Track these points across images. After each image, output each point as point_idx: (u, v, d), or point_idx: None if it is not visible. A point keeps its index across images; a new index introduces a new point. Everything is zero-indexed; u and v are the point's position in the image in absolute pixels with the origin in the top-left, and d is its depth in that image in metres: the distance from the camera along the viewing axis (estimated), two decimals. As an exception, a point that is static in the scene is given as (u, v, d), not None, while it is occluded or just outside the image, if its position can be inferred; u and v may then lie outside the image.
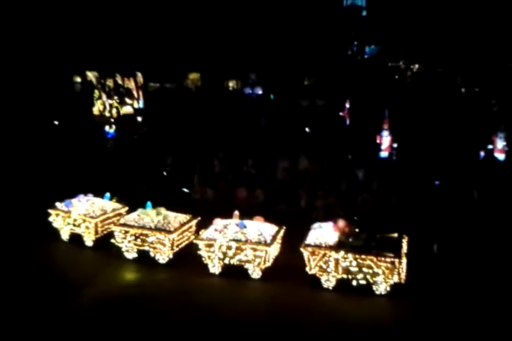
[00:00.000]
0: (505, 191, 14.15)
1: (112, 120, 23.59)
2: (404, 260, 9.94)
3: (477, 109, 22.24)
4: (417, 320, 9.17)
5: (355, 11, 49.15)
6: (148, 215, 11.64)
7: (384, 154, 17.77)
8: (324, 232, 10.64)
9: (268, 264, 10.77)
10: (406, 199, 14.18)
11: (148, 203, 12.02)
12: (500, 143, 16.99)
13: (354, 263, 9.94)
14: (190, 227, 11.96)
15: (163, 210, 11.89)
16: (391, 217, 13.33)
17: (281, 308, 9.62)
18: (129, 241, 11.51)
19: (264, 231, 10.92)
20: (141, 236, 11.39)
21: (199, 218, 12.12)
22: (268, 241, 10.65)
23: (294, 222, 12.33)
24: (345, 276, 10.09)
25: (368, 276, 9.92)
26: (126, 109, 25.18)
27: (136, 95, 25.59)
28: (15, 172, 17.17)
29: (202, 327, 8.90)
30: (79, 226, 12.36)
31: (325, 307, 9.81)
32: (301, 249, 10.31)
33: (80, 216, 12.33)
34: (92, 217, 12.27)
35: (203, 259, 10.94)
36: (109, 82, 25.33)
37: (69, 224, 12.50)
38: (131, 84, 25.57)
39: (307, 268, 10.33)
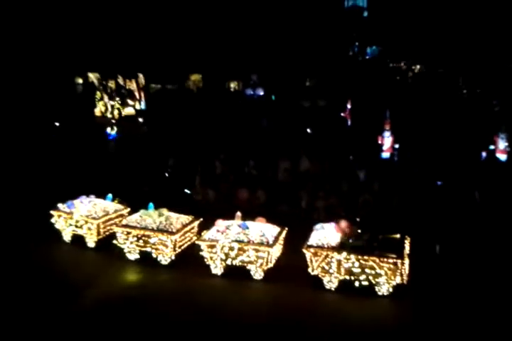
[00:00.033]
0: (507, 192, 14.14)
1: (114, 121, 23.60)
2: (406, 261, 9.94)
3: (478, 110, 22.22)
4: (420, 321, 9.16)
5: (357, 12, 49.12)
6: (151, 216, 11.65)
7: (385, 155, 17.76)
8: (326, 233, 10.64)
9: (270, 265, 10.76)
10: (407, 200, 14.18)
11: (151, 204, 12.02)
12: (501, 144, 16.99)
13: (356, 264, 9.93)
14: (193, 228, 11.97)
15: (165, 211, 11.90)
16: (392, 218, 13.33)
17: (284, 309, 9.61)
18: (131, 242, 11.51)
19: (267, 232, 10.92)
20: (143, 237, 11.39)
21: (201, 219, 12.13)
22: (270, 242, 10.65)
23: (295, 222, 12.34)
24: (347, 277, 10.08)
25: (371, 277, 9.92)
26: (128, 111, 25.20)
27: (137, 96, 25.61)
28: (17, 173, 17.19)
29: (204, 328, 8.89)
30: (81, 227, 12.36)
31: (327, 308, 9.80)
32: (304, 250, 10.31)
33: (82, 217, 12.33)
34: (94, 218, 12.27)
35: (205, 260, 10.94)
36: (111, 84, 25.35)
37: (71, 225, 12.51)
38: (132, 85, 25.58)
39: (309, 269, 10.32)
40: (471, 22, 35.99)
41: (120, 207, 13.00)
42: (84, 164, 17.93)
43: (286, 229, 11.46)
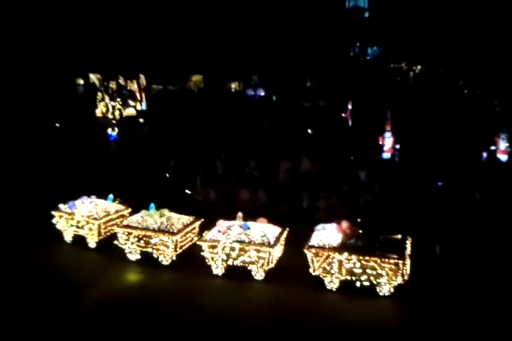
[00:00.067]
0: (508, 192, 14.13)
1: (115, 122, 23.61)
2: (408, 261, 9.94)
3: (479, 110, 22.21)
4: (421, 321, 9.15)
5: (358, 13, 49.20)
6: (152, 217, 11.65)
7: (386, 155, 17.75)
8: (328, 234, 10.63)
9: (271, 265, 10.77)
10: (408, 200, 14.18)
11: (152, 205, 12.03)
12: (502, 144, 16.97)
13: (358, 264, 9.93)
14: (194, 229, 11.98)
15: (166, 212, 11.90)
16: (393, 218, 13.32)
17: (285, 310, 9.61)
18: (132, 243, 11.52)
19: (268, 232, 10.91)
20: (144, 238, 11.40)
21: (202, 219, 12.13)
22: (271, 243, 10.65)
23: (296, 223, 12.33)
24: (348, 278, 10.08)
25: (372, 278, 9.91)
26: (129, 111, 25.19)
27: (139, 97, 25.61)
28: (18, 174, 17.21)
29: (205, 328, 8.89)
30: (82, 227, 12.37)
31: (328, 308, 9.80)
32: (305, 251, 10.31)
33: (83, 217, 12.34)
34: (95, 219, 12.28)
35: (207, 261, 10.95)
36: (112, 84, 25.34)
37: (72, 225, 12.52)
38: (134, 86, 25.58)
39: (311, 270, 10.32)
40: (472, 22, 36.01)
41: (121, 207, 13.01)
42: (85, 165, 17.94)
43: (288, 229, 11.46)
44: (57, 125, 22.71)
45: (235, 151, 17.45)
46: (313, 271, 10.31)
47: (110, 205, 12.98)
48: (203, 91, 29.31)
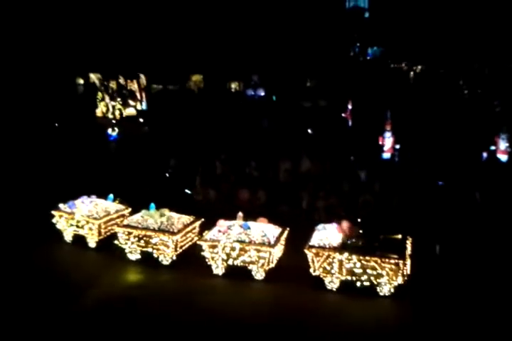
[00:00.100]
0: (508, 192, 14.13)
1: (115, 122, 23.62)
2: (408, 261, 9.94)
3: (479, 110, 22.22)
4: (421, 321, 9.15)
5: (358, 13, 49.26)
6: (152, 216, 11.64)
7: (386, 155, 17.76)
8: (328, 234, 10.63)
9: (272, 265, 10.76)
10: (408, 200, 14.17)
11: (152, 204, 12.02)
12: (502, 144, 16.97)
13: (358, 264, 9.93)
14: (194, 228, 11.97)
15: (166, 211, 11.90)
16: (393, 218, 13.32)
17: (285, 309, 9.61)
18: (133, 243, 11.51)
19: (268, 232, 10.91)
20: (144, 238, 11.39)
21: (202, 219, 12.13)
22: (272, 243, 10.65)
23: (296, 223, 12.31)
24: (349, 278, 10.07)
25: (372, 278, 9.90)
26: (129, 111, 25.23)
27: (139, 97, 25.65)
28: (18, 173, 17.20)
29: (205, 328, 8.89)
30: (82, 227, 12.37)
31: (329, 308, 9.79)
32: (305, 251, 10.30)
33: (83, 217, 12.34)
34: (95, 219, 12.28)
35: (207, 260, 10.94)
36: (112, 84, 25.38)
37: (72, 225, 12.51)
38: (134, 86, 25.62)
39: (311, 270, 10.32)
40: (472, 23, 36.02)
41: (121, 207, 13.01)
42: (85, 164, 17.94)
43: (288, 229, 11.46)
44: (56, 125, 22.70)
45: (235, 151, 17.44)
46: (314, 271, 10.31)
47: (110, 205, 12.98)
48: (203, 91, 29.33)
